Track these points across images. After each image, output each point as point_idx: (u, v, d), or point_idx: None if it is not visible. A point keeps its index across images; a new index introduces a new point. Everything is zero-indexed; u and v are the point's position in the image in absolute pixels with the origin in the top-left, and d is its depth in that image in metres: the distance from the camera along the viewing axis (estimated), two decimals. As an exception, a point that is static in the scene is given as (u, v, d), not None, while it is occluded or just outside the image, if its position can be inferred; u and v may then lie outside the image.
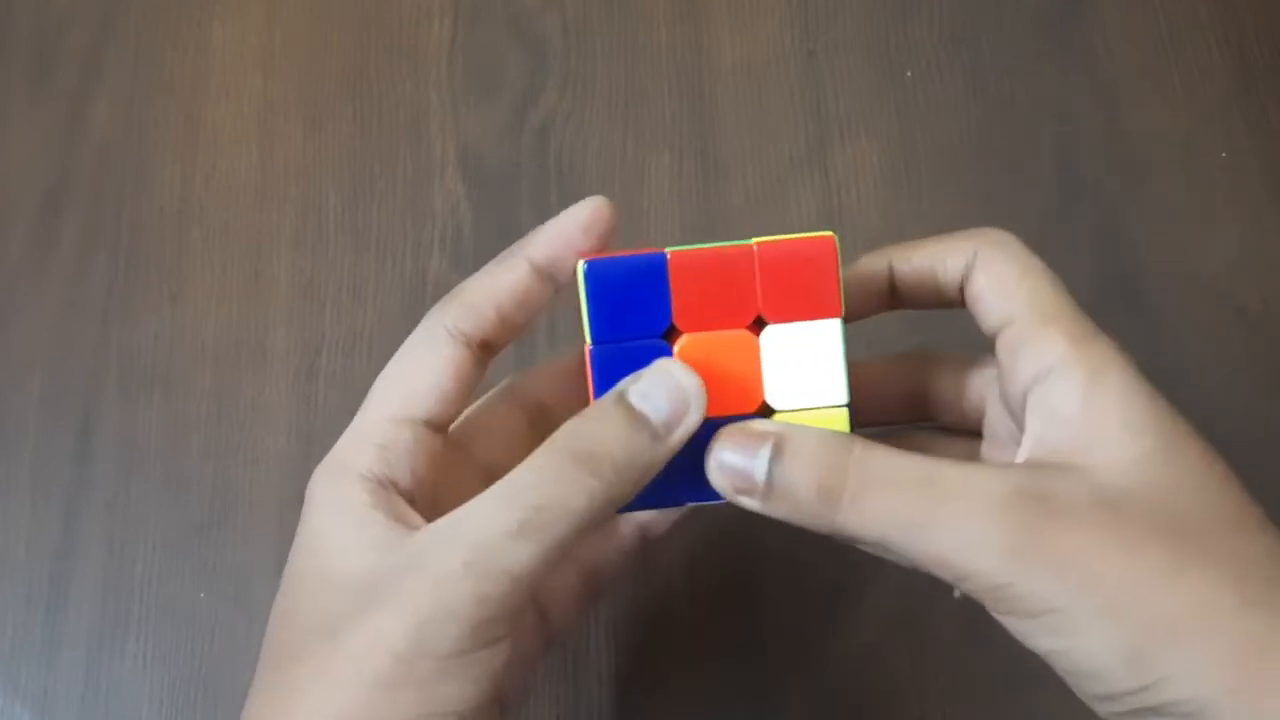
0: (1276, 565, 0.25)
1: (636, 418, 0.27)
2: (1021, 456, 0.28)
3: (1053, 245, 0.46)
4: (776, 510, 0.27)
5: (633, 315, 0.29)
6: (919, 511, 0.26)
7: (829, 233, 0.29)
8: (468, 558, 0.25)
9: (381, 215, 0.48)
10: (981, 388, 0.32)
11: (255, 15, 0.51)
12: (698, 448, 0.28)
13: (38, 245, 0.48)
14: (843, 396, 0.29)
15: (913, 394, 0.33)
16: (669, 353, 0.29)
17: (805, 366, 0.29)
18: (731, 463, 0.27)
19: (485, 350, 0.30)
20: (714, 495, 0.29)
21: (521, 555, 0.25)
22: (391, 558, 0.26)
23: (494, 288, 0.30)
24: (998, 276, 0.29)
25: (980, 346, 0.31)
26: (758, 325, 0.29)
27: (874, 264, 0.31)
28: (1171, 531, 0.25)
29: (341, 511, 0.28)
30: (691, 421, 0.27)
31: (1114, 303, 0.45)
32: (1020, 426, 0.28)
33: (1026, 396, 0.27)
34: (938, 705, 0.40)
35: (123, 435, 0.45)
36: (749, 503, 0.28)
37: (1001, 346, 0.29)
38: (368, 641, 0.25)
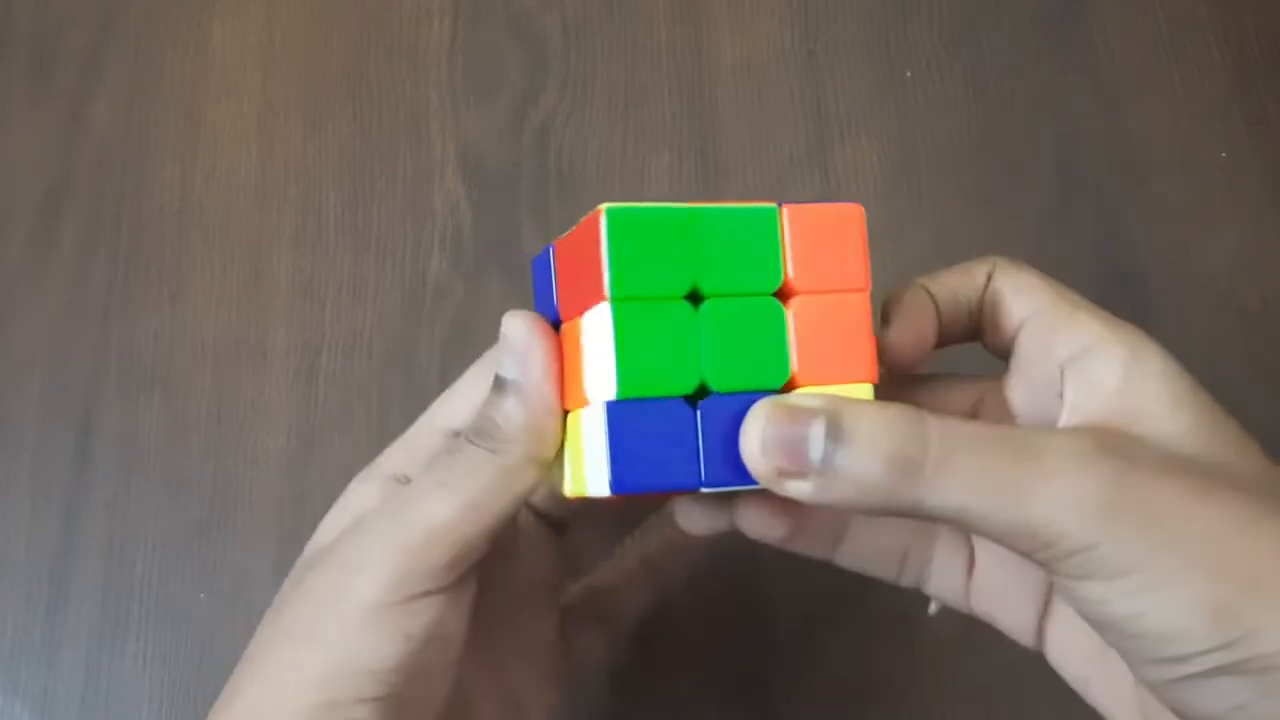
0: None
1: (499, 384, 0.28)
2: (1064, 423, 0.27)
3: (1053, 245, 0.46)
4: (832, 494, 0.24)
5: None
6: (1009, 475, 0.24)
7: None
8: (391, 515, 0.27)
9: (381, 215, 0.48)
10: (967, 403, 0.32)
11: (255, 15, 0.51)
12: (713, 426, 0.26)
13: (38, 245, 0.48)
14: (873, 373, 0.27)
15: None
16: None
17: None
18: (781, 440, 0.24)
19: None
20: (735, 479, 0.26)
21: (438, 507, 0.27)
22: (350, 524, 0.29)
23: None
24: (1019, 279, 0.29)
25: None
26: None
27: (917, 294, 0.29)
28: (1241, 489, 0.24)
29: (347, 504, 0.30)
30: (537, 360, 0.27)
31: (1114, 303, 0.44)
32: (1046, 412, 0.28)
33: (1064, 372, 0.27)
34: (937, 706, 0.40)
35: (123, 435, 0.45)
36: (798, 488, 0.24)
37: (1028, 335, 0.28)
38: (301, 601, 0.28)
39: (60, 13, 0.52)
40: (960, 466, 0.24)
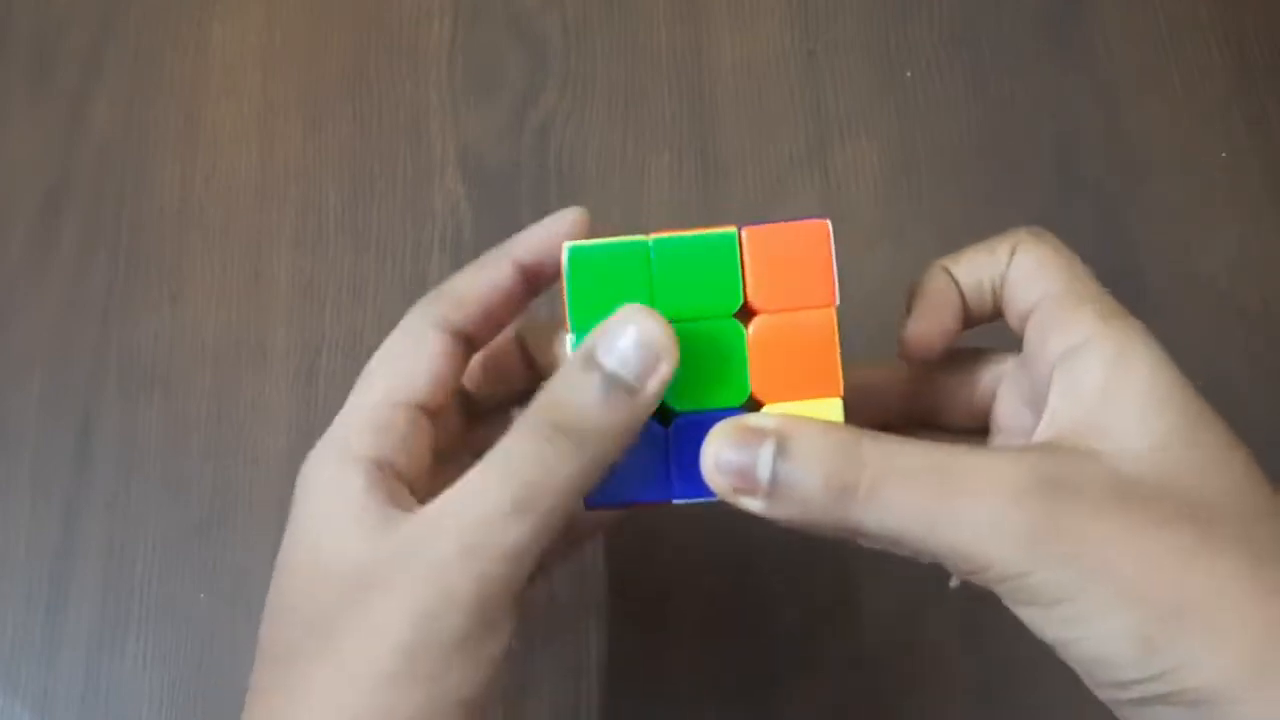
0: None
1: (609, 379, 0.26)
2: (1040, 432, 0.27)
3: (1053, 245, 0.46)
4: (781, 511, 0.26)
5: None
6: (938, 502, 0.25)
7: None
8: (466, 541, 0.25)
9: (381, 215, 0.48)
10: (991, 382, 0.32)
11: (255, 15, 0.51)
12: (684, 443, 0.27)
13: (38, 245, 0.48)
14: (837, 388, 0.28)
15: (913, 395, 0.33)
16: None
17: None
18: (730, 462, 0.26)
19: (468, 345, 0.31)
20: (704, 492, 0.27)
21: (518, 533, 0.25)
22: (387, 544, 0.26)
23: (479, 285, 0.30)
24: (1035, 260, 0.29)
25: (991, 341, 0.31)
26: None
27: (938, 280, 0.30)
28: (1188, 517, 0.24)
29: (335, 495, 0.28)
30: (664, 370, 0.26)
31: (1114, 303, 0.45)
32: (1042, 411, 0.28)
33: (1053, 372, 0.27)
34: (937, 705, 0.40)
35: (123, 435, 0.45)
36: (751, 504, 0.26)
37: (1032, 327, 0.28)
38: (370, 636, 0.25)
39: (60, 13, 0.52)
40: (891, 493, 0.25)
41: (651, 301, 0.27)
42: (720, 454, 0.26)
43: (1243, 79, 0.48)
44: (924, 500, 0.25)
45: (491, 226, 0.47)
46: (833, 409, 0.27)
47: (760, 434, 0.26)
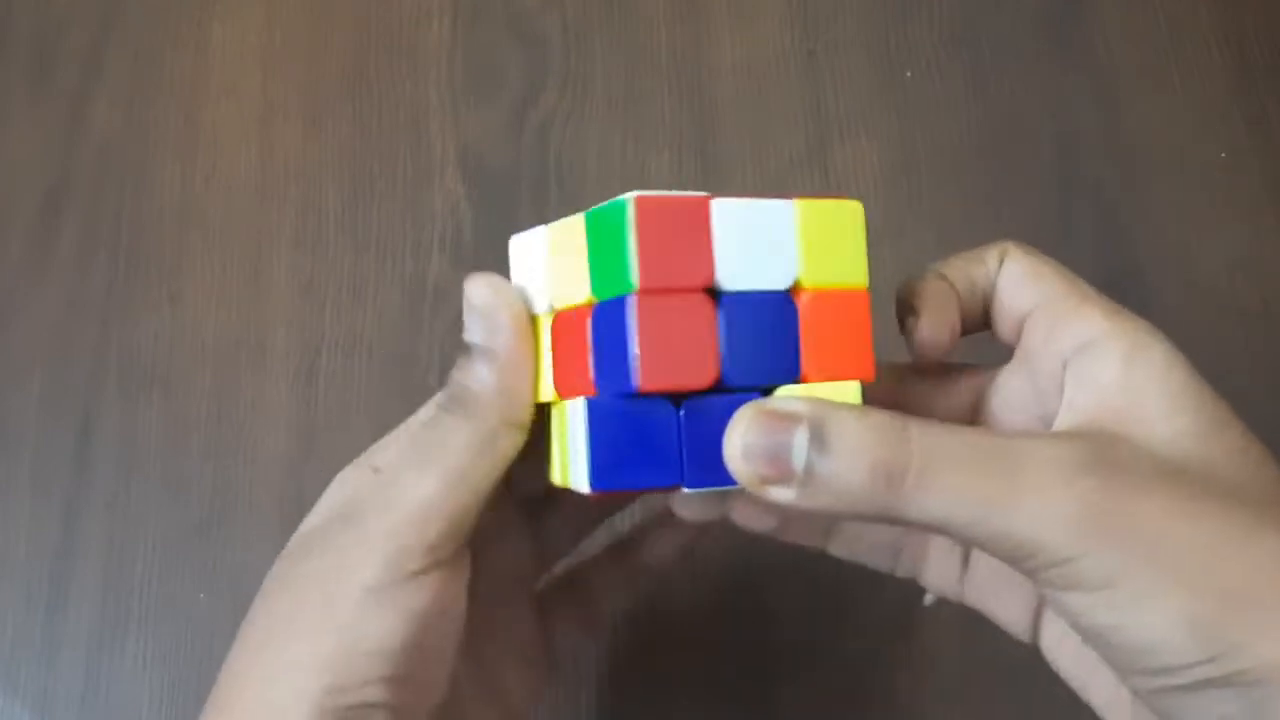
0: None
1: (469, 350, 0.28)
2: (1060, 423, 0.27)
3: (1053, 245, 0.46)
4: (815, 501, 0.24)
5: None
6: (991, 487, 0.23)
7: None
8: (381, 496, 0.27)
9: (381, 215, 0.48)
10: (968, 396, 0.31)
11: (255, 15, 0.51)
12: (696, 426, 0.26)
13: (38, 245, 0.48)
14: (869, 372, 0.26)
15: (894, 405, 0.33)
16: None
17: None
18: (759, 448, 0.24)
19: None
20: (716, 480, 0.26)
21: (427, 484, 0.27)
22: (337, 509, 0.29)
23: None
24: (1028, 265, 0.29)
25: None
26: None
27: (937, 282, 0.29)
28: (1231, 500, 0.24)
29: (334, 492, 0.30)
30: (503, 322, 0.27)
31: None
32: (1047, 407, 0.28)
33: (1065, 368, 0.27)
34: (937, 705, 0.40)
35: (123, 435, 0.45)
36: (780, 494, 0.24)
37: (1032, 329, 0.28)
38: (303, 586, 0.27)
39: (60, 13, 0.52)
40: (942, 479, 0.24)
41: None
42: (748, 440, 0.24)
43: (1243, 79, 0.48)
44: (975, 487, 0.24)
45: (491, 227, 0.47)
46: (851, 393, 0.26)
47: (792, 419, 0.24)
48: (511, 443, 0.28)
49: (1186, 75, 0.48)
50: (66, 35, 0.51)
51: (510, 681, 0.32)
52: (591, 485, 0.26)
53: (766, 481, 0.24)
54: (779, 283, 0.27)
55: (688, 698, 0.41)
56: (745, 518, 0.30)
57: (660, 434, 0.26)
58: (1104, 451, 0.24)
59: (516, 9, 0.51)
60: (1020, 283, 0.29)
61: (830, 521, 0.32)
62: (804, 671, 0.41)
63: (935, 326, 0.29)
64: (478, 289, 0.28)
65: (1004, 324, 0.29)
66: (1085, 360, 0.27)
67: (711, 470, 0.26)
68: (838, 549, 0.32)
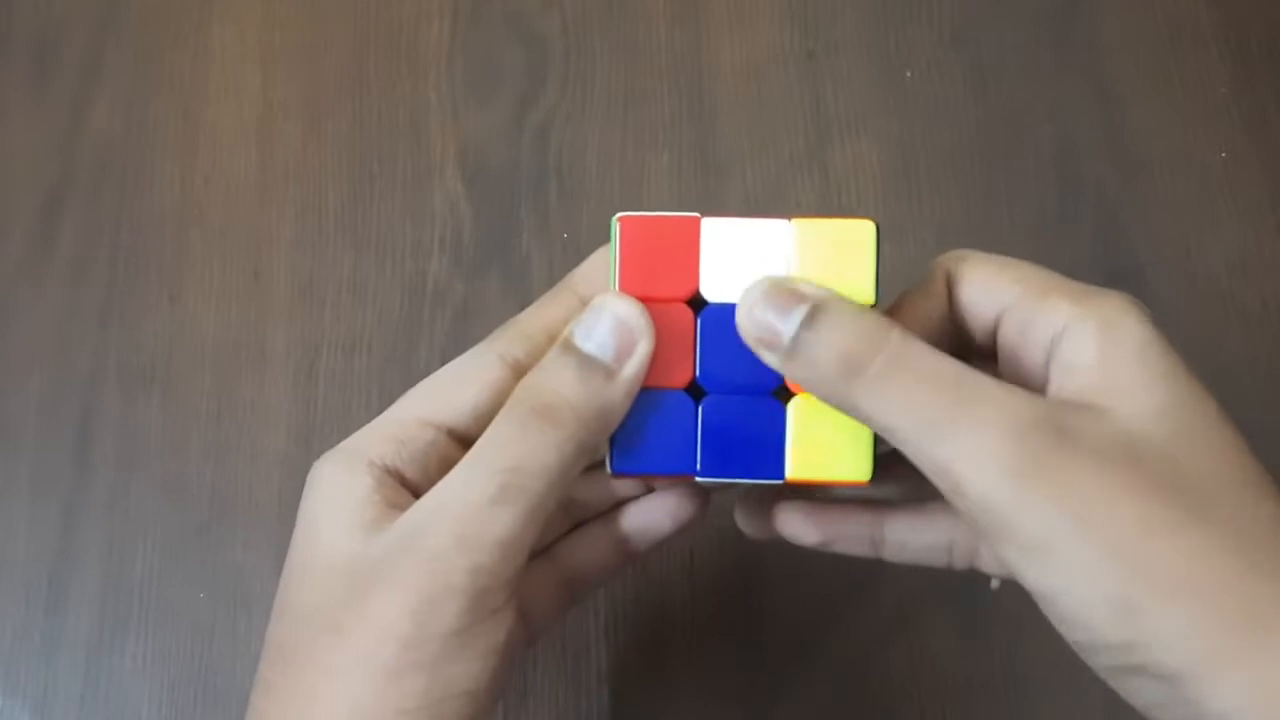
0: None
1: (585, 360, 0.27)
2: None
3: (1053, 245, 0.46)
4: (794, 372, 0.27)
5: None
6: (939, 409, 0.25)
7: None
8: (456, 531, 0.26)
9: (381, 215, 0.48)
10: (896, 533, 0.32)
11: (255, 15, 0.51)
12: (713, 421, 0.28)
13: (38, 245, 0.48)
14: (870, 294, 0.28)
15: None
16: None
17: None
18: (763, 317, 0.26)
19: None
20: (729, 472, 0.28)
21: (506, 519, 0.26)
22: (383, 540, 0.26)
23: (547, 319, 0.30)
24: (982, 273, 0.28)
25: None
26: None
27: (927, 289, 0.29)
28: (1180, 486, 0.24)
29: (340, 494, 0.28)
30: (642, 351, 0.27)
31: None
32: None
33: (1048, 363, 0.27)
34: (937, 705, 0.40)
35: (123, 435, 0.45)
36: (769, 358, 0.27)
37: (1006, 332, 0.28)
38: (372, 630, 0.25)
39: (60, 13, 0.52)
40: (896, 384, 0.25)
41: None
42: (755, 308, 0.27)
43: (1243, 79, 0.48)
44: (925, 403, 0.25)
45: (491, 226, 0.47)
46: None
47: (798, 297, 0.26)
48: (584, 464, 0.27)
49: (1186, 75, 0.48)
50: (66, 36, 0.51)
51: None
52: (613, 469, 0.29)
53: (761, 343, 0.27)
54: None
55: (688, 697, 0.41)
56: (794, 532, 0.31)
57: (679, 426, 0.28)
58: (1063, 416, 0.25)
59: (516, 9, 0.51)
60: (979, 294, 0.28)
61: (879, 530, 0.31)
62: (804, 671, 0.41)
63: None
64: (627, 304, 0.27)
65: (980, 340, 0.29)
66: (1062, 349, 0.26)
67: (724, 462, 0.28)
68: (892, 555, 0.32)
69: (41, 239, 0.48)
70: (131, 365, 0.46)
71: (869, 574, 0.41)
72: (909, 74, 0.49)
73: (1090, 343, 0.26)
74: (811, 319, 0.26)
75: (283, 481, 0.44)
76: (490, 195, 0.48)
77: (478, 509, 0.26)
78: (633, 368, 0.27)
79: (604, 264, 0.30)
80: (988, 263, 0.28)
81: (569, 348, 0.27)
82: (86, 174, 0.49)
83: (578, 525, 0.34)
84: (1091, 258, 0.45)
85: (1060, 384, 0.27)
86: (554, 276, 0.32)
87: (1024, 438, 0.24)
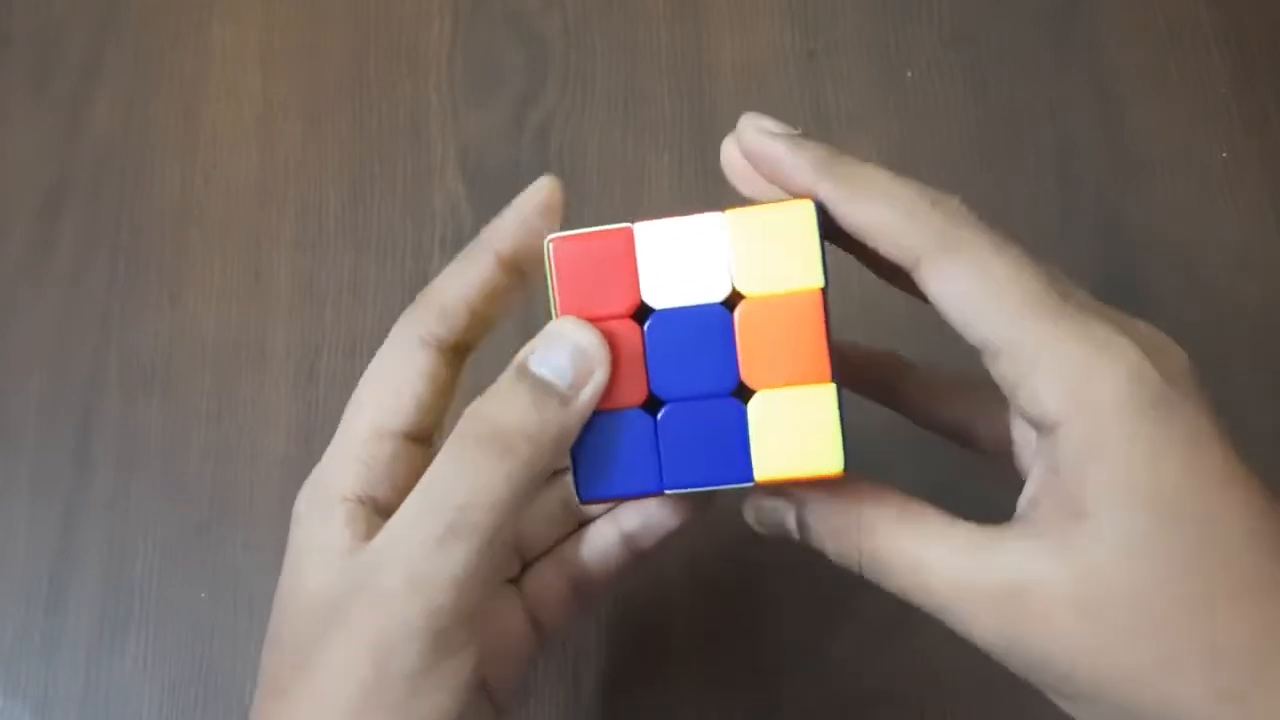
0: (1263, 642, 0.24)
1: (540, 385, 0.26)
2: (1025, 497, 0.27)
3: (1053, 245, 0.46)
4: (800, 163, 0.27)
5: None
6: (919, 592, 0.27)
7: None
8: (406, 572, 0.25)
9: (381, 215, 0.48)
10: (955, 405, 0.32)
11: (255, 15, 0.51)
12: (673, 432, 0.27)
13: (38, 245, 0.48)
14: (826, 374, 0.27)
15: (886, 388, 0.33)
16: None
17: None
18: (768, 525, 0.29)
19: (459, 352, 0.30)
20: (695, 482, 0.27)
21: (458, 556, 0.25)
22: (344, 580, 0.26)
23: (463, 286, 0.29)
24: (957, 290, 0.26)
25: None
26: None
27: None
28: (1146, 630, 0.24)
29: (317, 535, 0.28)
30: (599, 379, 0.26)
31: (1114, 303, 0.44)
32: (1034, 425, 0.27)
33: (1035, 436, 0.26)
34: (937, 705, 0.40)
35: (123, 435, 0.45)
36: (777, 165, 0.28)
37: (995, 375, 0.26)
38: (335, 670, 0.26)
39: (60, 13, 0.52)
40: (880, 577, 0.28)
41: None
42: (758, 523, 0.30)
43: (1243, 79, 0.48)
44: (910, 588, 0.27)
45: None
46: (826, 397, 0.27)
47: (782, 504, 0.29)
48: (540, 485, 0.27)
49: (1186, 75, 0.48)
50: (67, 36, 0.51)
51: (493, 676, 0.31)
52: (580, 498, 0.28)
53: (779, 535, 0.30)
54: (712, 295, 0.27)
55: (689, 698, 0.41)
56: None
57: (639, 444, 0.27)
58: (1024, 572, 0.25)
59: (516, 9, 0.51)
60: (967, 316, 0.26)
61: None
62: (804, 671, 0.41)
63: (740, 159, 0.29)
64: (584, 331, 0.27)
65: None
66: (1046, 446, 0.25)
67: (689, 472, 0.27)
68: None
69: (41, 239, 0.48)
70: (131, 365, 0.46)
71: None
72: (909, 74, 0.49)
73: (1072, 460, 0.25)
74: (802, 523, 0.29)
75: (283, 482, 0.44)
76: (490, 195, 0.48)
77: (426, 549, 0.25)
78: (589, 393, 0.26)
79: (519, 216, 0.29)
80: (973, 278, 0.25)
81: (523, 373, 0.27)
82: (86, 174, 0.49)
83: (584, 524, 0.34)
84: (1091, 258, 0.45)
85: (1041, 481, 0.26)
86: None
87: (996, 614, 0.26)
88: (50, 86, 0.51)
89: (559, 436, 0.26)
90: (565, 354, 0.26)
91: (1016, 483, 0.28)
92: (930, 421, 0.33)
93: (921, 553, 0.26)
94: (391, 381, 0.29)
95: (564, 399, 0.26)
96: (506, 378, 0.27)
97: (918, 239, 0.26)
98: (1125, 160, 0.47)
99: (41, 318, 0.47)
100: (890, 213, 0.26)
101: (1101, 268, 0.45)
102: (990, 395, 0.28)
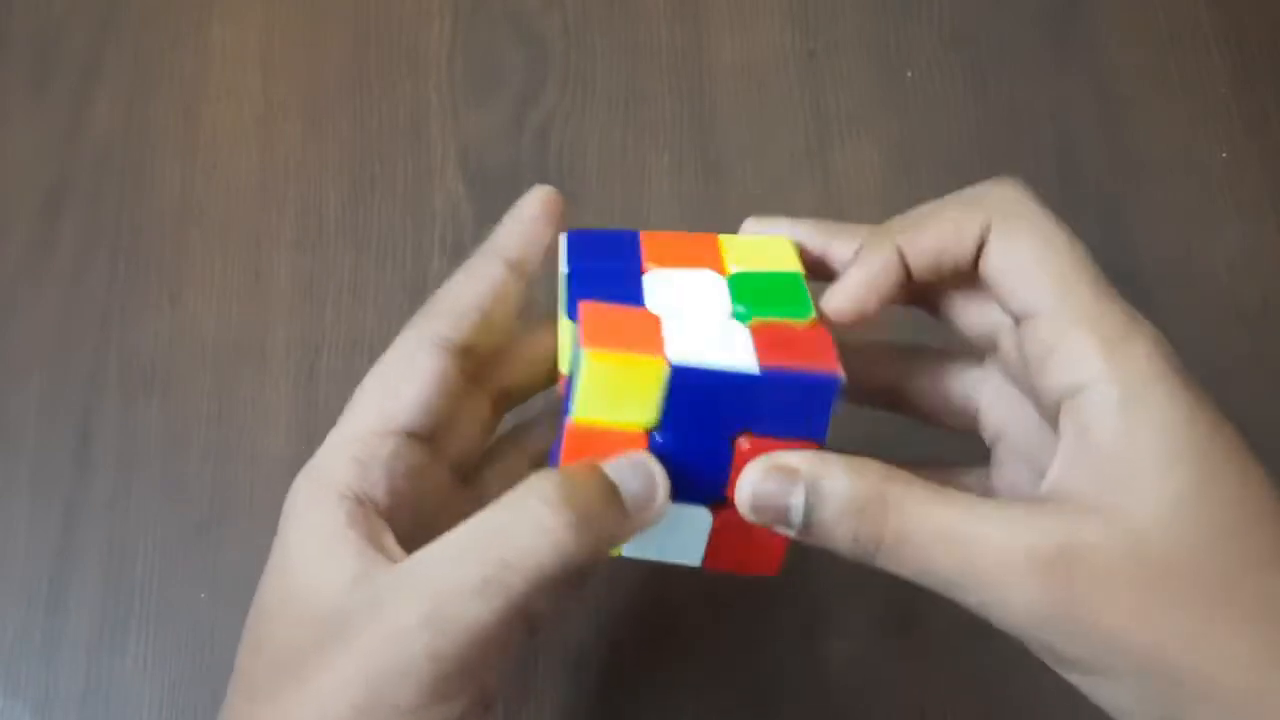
0: None
1: (612, 490, 0.26)
2: (1053, 478, 0.26)
3: (1053, 245, 0.46)
4: (813, 542, 0.27)
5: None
6: (954, 569, 0.25)
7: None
8: (426, 611, 0.25)
9: (381, 215, 0.48)
10: (966, 390, 0.32)
11: (255, 16, 0.51)
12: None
13: (38, 245, 0.48)
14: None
15: (889, 389, 0.33)
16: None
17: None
18: (767, 499, 0.27)
19: (469, 358, 0.30)
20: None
21: (481, 613, 0.25)
22: (356, 594, 0.26)
23: (474, 291, 0.30)
24: (1015, 256, 0.27)
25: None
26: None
27: (882, 251, 0.29)
28: (1202, 584, 0.24)
29: (315, 532, 0.28)
30: (658, 506, 0.27)
31: (1114, 303, 0.45)
32: (1050, 423, 0.27)
33: (1059, 409, 0.26)
34: (938, 704, 0.40)
35: (123, 435, 0.45)
36: (784, 531, 0.27)
37: (1028, 341, 0.27)
38: (329, 687, 0.25)
39: (60, 13, 0.52)
40: (909, 553, 0.26)
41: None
42: (757, 490, 0.27)
43: (1243, 79, 0.48)
44: (941, 565, 0.26)
45: (491, 227, 0.47)
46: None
47: (794, 475, 0.26)
48: (569, 579, 0.26)
49: (1186, 75, 0.48)
50: (66, 35, 0.51)
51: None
52: None
53: (776, 524, 0.27)
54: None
55: (687, 697, 0.41)
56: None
57: None
58: (1072, 539, 0.25)
59: (516, 9, 0.51)
60: (1010, 278, 0.27)
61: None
62: (804, 671, 0.41)
63: (843, 303, 0.29)
64: (660, 469, 0.27)
65: (1003, 306, 0.28)
66: (1077, 412, 0.26)
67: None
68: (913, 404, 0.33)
69: (41, 239, 0.48)
70: (131, 365, 0.46)
71: (869, 574, 0.41)
72: (909, 74, 0.49)
73: (1110, 420, 0.25)
74: (813, 498, 0.26)
75: (283, 481, 0.43)
76: (490, 195, 0.48)
77: (453, 594, 0.25)
78: (646, 517, 0.27)
79: (526, 221, 0.31)
80: (1029, 236, 0.27)
81: (602, 475, 0.27)
82: (86, 174, 0.49)
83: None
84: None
85: (1069, 457, 0.26)
86: (554, 277, 0.32)
87: (1039, 577, 0.25)
88: (50, 86, 0.51)
89: (607, 542, 0.26)
90: (637, 473, 0.27)
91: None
92: (861, 394, 0.33)
93: (959, 525, 0.25)
94: (394, 380, 0.29)
95: (625, 513, 0.27)
96: (583, 465, 0.27)
97: (982, 212, 0.28)
98: (1125, 160, 0.47)
99: (41, 318, 0.47)
100: (948, 210, 0.29)
101: (1101, 268, 0.45)
102: (920, 360, 0.32)
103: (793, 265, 0.29)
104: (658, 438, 0.27)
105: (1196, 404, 0.25)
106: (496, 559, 0.25)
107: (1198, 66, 0.48)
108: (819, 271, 0.31)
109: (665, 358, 0.26)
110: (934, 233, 0.28)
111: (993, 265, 0.28)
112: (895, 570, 0.26)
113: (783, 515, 0.26)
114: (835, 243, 0.30)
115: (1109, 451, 0.25)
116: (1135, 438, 0.25)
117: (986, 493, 0.31)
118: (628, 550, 0.29)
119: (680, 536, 0.29)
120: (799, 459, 0.26)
